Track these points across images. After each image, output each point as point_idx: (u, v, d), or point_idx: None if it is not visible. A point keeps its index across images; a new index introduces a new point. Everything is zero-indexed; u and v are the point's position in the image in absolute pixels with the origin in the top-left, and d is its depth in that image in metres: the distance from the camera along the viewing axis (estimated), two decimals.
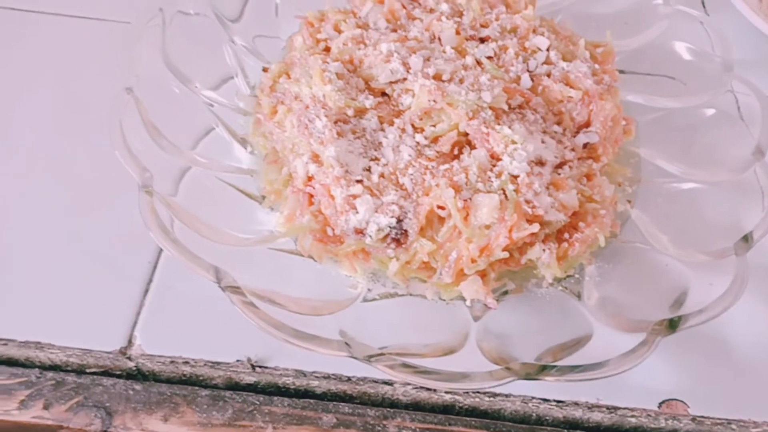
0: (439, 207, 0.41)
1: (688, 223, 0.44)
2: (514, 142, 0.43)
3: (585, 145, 0.47)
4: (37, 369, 0.41)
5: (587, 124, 0.48)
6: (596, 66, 0.51)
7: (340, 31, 0.51)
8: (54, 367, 0.41)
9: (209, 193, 0.44)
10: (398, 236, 0.41)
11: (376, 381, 0.41)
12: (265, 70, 0.52)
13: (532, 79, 0.48)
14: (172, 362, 0.41)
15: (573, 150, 0.46)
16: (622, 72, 0.55)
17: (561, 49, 0.52)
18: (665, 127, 0.51)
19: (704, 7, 0.67)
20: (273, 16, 0.56)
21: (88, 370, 0.41)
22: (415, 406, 0.42)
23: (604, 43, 0.54)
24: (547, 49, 0.50)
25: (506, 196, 0.41)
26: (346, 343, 0.34)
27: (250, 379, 0.41)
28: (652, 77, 0.56)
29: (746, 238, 0.40)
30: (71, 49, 0.57)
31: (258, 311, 0.34)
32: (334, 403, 0.41)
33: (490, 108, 0.44)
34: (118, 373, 0.42)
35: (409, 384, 0.41)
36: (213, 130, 0.48)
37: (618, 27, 0.57)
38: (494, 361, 0.36)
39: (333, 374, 0.41)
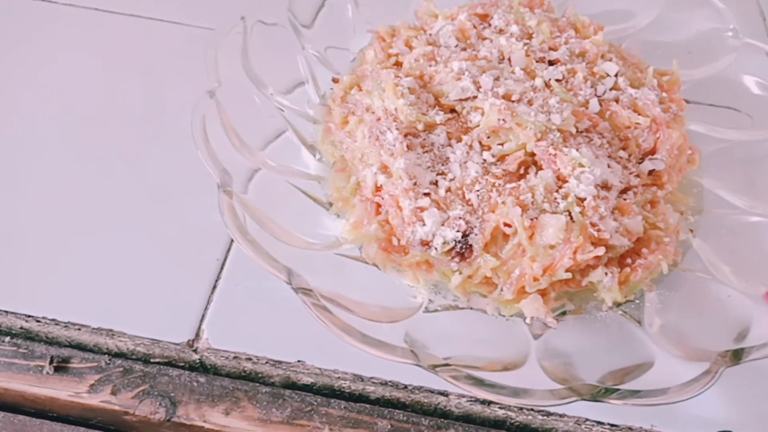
0: (506, 224, 0.41)
1: (752, 255, 0.44)
2: (581, 165, 0.43)
3: (650, 173, 0.47)
4: (106, 355, 0.42)
5: (653, 152, 0.48)
6: (663, 94, 0.51)
7: (411, 47, 0.53)
8: (121, 355, 0.43)
9: (279, 196, 0.45)
10: (463, 250, 0.42)
11: (431, 391, 0.42)
12: (335, 80, 0.53)
13: (600, 104, 0.48)
14: (235, 358, 0.42)
15: (638, 176, 0.47)
16: (686, 102, 0.56)
17: (629, 75, 0.52)
18: (728, 159, 0.51)
19: None
20: (344, 29, 0.57)
21: (153, 360, 0.43)
22: (467, 419, 0.43)
23: (670, 72, 0.54)
24: (616, 75, 0.51)
25: (572, 218, 0.41)
26: (412, 351, 0.35)
27: (307, 379, 0.42)
28: (717, 108, 0.56)
29: None
30: (154, 51, 0.60)
31: (329, 314, 0.35)
32: (389, 409, 0.41)
33: (558, 130, 0.45)
34: (182, 364, 0.43)
35: (463, 396, 0.42)
36: (282, 135, 0.49)
37: (683, 56, 0.57)
38: (556, 380, 0.36)
39: (390, 381, 0.41)
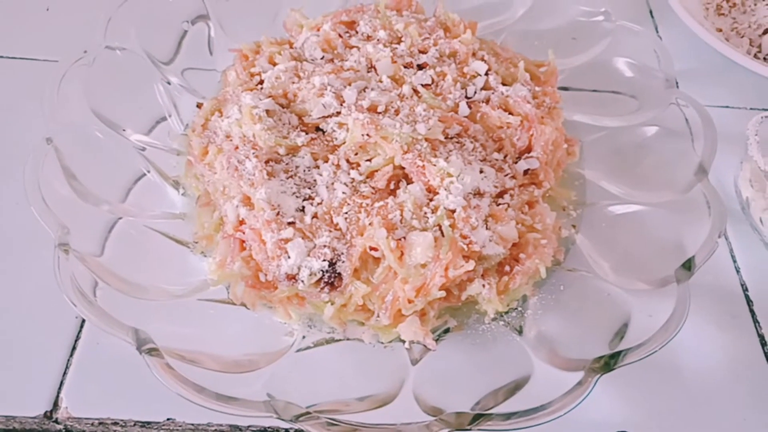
0: (372, 249, 0.39)
1: (631, 247, 0.43)
2: (450, 175, 0.41)
3: (526, 172, 0.46)
4: None
5: (528, 149, 0.47)
6: (537, 88, 0.50)
7: (274, 64, 0.50)
8: None
9: (138, 243, 0.42)
10: (332, 280, 0.39)
11: None
12: (199, 106, 0.50)
13: (470, 107, 0.47)
14: (101, 424, 0.39)
15: (514, 177, 0.45)
16: (566, 89, 0.55)
17: (502, 72, 0.51)
18: (610, 147, 0.50)
19: (652, 17, 0.67)
20: (207, 49, 0.54)
21: None
22: None
23: (546, 63, 0.53)
24: (486, 73, 0.49)
25: (442, 233, 0.40)
26: (272, 406, 0.33)
27: None
28: (599, 93, 0.55)
29: (688, 265, 0.39)
30: (5, 91, 0.55)
31: (176, 374, 0.33)
32: None
33: (426, 140, 0.43)
34: None
35: None
36: (145, 175, 0.46)
37: (563, 42, 0.56)
38: (428, 411, 0.34)
39: (269, 427, 0.39)
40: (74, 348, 0.41)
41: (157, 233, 0.43)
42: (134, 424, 0.39)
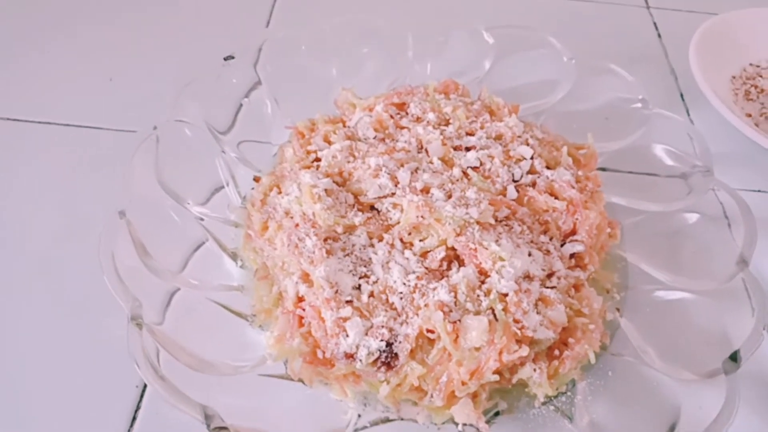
0: (429, 330, 0.41)
1: (675, 334, 0.44)
2: (501, 259, 0.43)
3: (572, 255, 0.47)
4: None
5: (573, 232, 0.48)
6: (579, 172, 0.52)
7: (329, 142, 0.53)
8: None
9: (197, 314, 0.44)
10: (388, 360, 0.41)
11: None
12: (256, 179, 0.53)
13: (518, 190, 0.49)
14: None
15: (561, 259, 0.47)
16: (604, 170, 0.57)
17: (545, 155, 0.53)
18: (650, 231, 0.52)
19: (683, 100, 0.69)
20: (264, 124, 0.57)
21: None
22: None
23: (586, 146, 0.56)
24: (531, 158, 0.51)
25: (495, 317, 0.41)
26: None
27: None
28: (636, 175, 0.57)
29: (734, 357, 0.40)
30: (72, 159, 0.58)
31: None
32: None
33: (477, 223, 0.45)
34: None
35: None
36: (203, 245, 0.48)
37: (599, 123, 0.59)
38: None
39: None
40: (134, 418, 0.42)
41: (217, 305, 0.45)
42: None
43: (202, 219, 0.49)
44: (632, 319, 0.46)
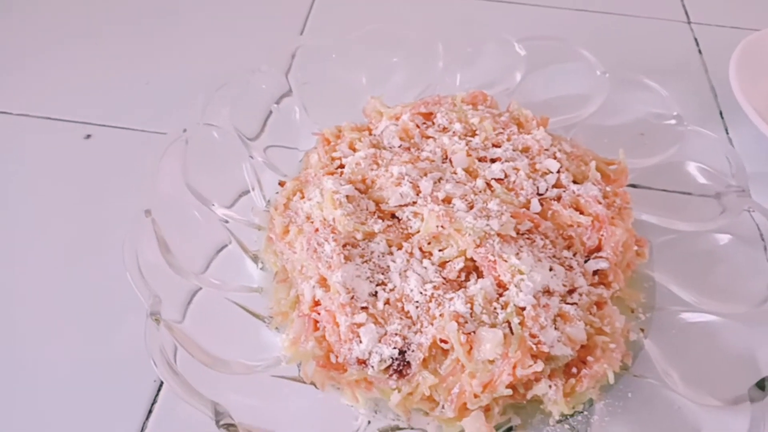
0: (442, 341, 0.40)
1: (702, 358, 0.43)
2: (521, 272, 0.42)
3: (596, 272, 0.46)
4: None
5: (598, 249, 0.47)
6: (608, 188, 0.51)
7: (355, 149, 0.53)
8: None
9: (216, 313, 0.44)
10: (400, 368, 0.40)
11: None
12: (281, 184, 0.54)
13: (542, 204, 0.48)
14: None
15: (584, 275, 0.46)
16: (635, 186, 0.56)
17: (573, 169, 0.52)
18: (681, 252, 0.50)
19: (722, 118, 0.67)
20: (292, 130, 0.58)
21: None
22: None
23: (617, 161, 0.55)
24: (558, 171, 0.50)
25: (511, 330, 0.40)
26: None
27: None
28: (668, 194, 0.56)
29: (761, 384, 0.38)
30: (105, 158, 0.60)
31: None
32: None
33: (498, 235, 0.44)
34: None
35: None
36: (226, 247, 0.49)
37: (632, 139, 0.58)
38: None
39: None
40: (150, 412, 0.43)
41: (236, 305, 0.45)
42: None
43: (226, 222, 0.50)
44: (657, 341, 0.45)
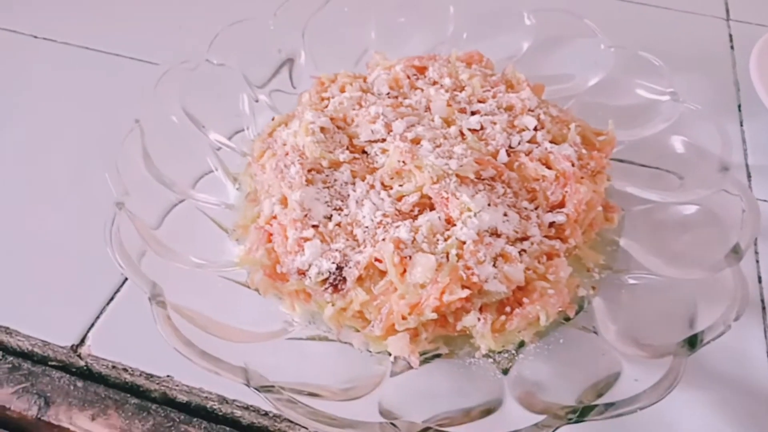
0: (377, 260, 0.42)
1: (642, 315, 0.42)
2: (469, 210, 0.43)
3: (552, 224, 0.46)
4: (1, 352, 0.45)
5: (561, 205, 0.47)
6: (584, 151, 0.50)
7: (344, 92, 0.55)
8: (16, 353, 0.46)
9: (189, 224, 0.48)
10: (336, 282, 0.42)
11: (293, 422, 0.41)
12: (273, 120, 0.57)
13: (510, 155, 0.49)
14: (113, 367, 0.44)
15: (539, 226, 0.46)
16: (621, 161, 0.55)
17: (554, 131, 0.52)
18: (652, 221, 0.49)
19: (739, 111, 0.65)
20: (297, 77, 0.61)
21: (47, 362, 0.45)
22: None
23: (606, 132, 0.54)
24: (535, 129, 0.51)
25: (449, 260, 0.41)
26: (246, 372, 0.36)
27: (182, 397, 0.43)
28: (652, 169, 0.55)
29: (693, 342, 0.37)
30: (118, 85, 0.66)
31: (174, 327, 0.37)
32: None
33: (456, 175, 0.45)
34: (74, 370, 0.45)
35: None
36: (212, 172, 0.52)
37: (625, 113, 0.57)
38: (385, 414, 0.35)
39: (251, 405, 0.42)
40: (112, 299, 0.47)
41: (206, 217, 0.49)
42: (140, 374, 0.43)
43: (218, 148, 0.54)
44: (605, 298, 0.45)
